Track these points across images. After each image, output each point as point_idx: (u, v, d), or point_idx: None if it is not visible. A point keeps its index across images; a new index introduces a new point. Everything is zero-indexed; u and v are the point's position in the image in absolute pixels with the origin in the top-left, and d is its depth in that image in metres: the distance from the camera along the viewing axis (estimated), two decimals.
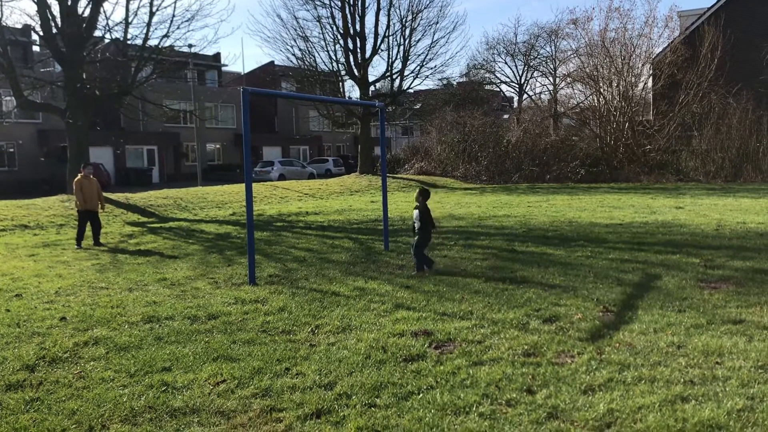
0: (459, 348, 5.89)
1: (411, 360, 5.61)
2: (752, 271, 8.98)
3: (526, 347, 5.84)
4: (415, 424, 4.31)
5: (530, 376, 5.13)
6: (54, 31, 21.51)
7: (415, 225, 9.69)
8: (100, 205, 13.84)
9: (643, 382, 4.96)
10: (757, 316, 6.70)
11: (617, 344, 5.86)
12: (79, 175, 13.86)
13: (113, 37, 23.62)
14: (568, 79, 45.84)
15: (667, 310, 7.02)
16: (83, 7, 21.75)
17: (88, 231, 13.55)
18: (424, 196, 9.81)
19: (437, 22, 44.59)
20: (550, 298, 7.67)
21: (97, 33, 23.04)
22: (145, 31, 22.65)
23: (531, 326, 6.54)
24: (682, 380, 4.97)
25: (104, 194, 22.84)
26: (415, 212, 9.68)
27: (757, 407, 4.45)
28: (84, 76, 22.70)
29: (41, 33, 21.72)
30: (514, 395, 4.76)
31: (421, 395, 4.82)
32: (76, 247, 13.16)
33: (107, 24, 23.36)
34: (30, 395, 5.01)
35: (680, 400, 4.61)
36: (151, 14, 22.52)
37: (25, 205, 19.33)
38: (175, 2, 27.65)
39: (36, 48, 42.45)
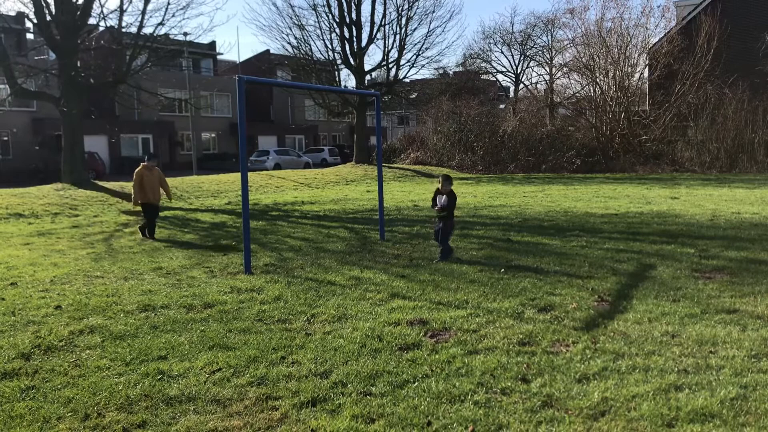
0: (454, 337, 5.91)
1: (406, 349, 5.63)
2: (746, 261, 9.02)
3: (521, 336, 5.86)
4: (411, 413, 4.33)
5: (525, 365, 5.15)
6: (48, 18, 21.37)
7: (441, 211, 9.79)
8: (166, 196, 13.19)
9: (637, 371, 4.99)
10: (751, 305, 6.73)
11: (612, 333, 5.89)
12: (140, 166, 12.83)
13: (108, 24, 23.54)
14: (565, 69, 45.91)
15: (661, 299, 7.05)
16: None
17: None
18: (449, 180, 9.96)
19: (433, 11, 44.61)
20: (545, 288, 7.70)
21: (92, 21, 22.92)
22: (140, 18, 22.52)
23: (526, 315, 6.57)
24: (676, 369, 5.00)
25: (99, 183, 22.92)
26: (442, 197, 9.78)
27: (750, 396, 4.48)
28: (78, 64, 22.57)
29: (35, 20, 21.57)
30: (509, 384, 4.78)
31: (416, 384, 4.83)
32: (149, 239, 12.36)
33: (102, 11, 23.39)
34: (25, 383, 5.02)
35: (674, 388, 4.64)
36: (146, 2, 22.38)
37: (19, 194, 19.27)
38: None
39: (30, 36, 42.21)
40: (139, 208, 13.38)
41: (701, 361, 5.16)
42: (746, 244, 10.34)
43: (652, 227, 12.51)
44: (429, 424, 4.18)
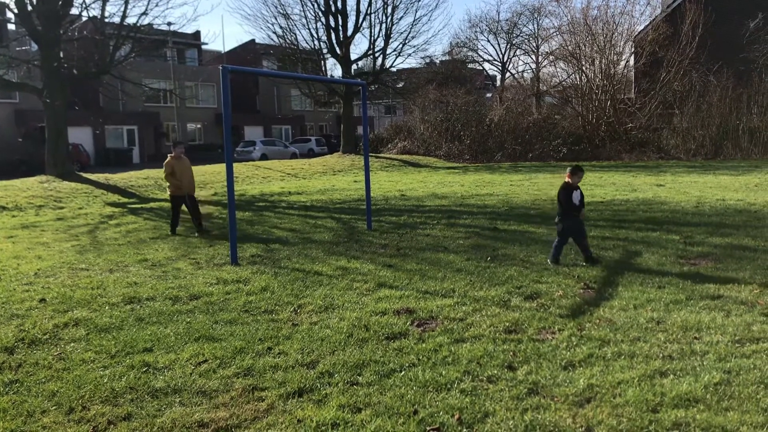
0: (441, 326, 5.92)
1: (393, 338, 5.63)
2: (731, 248, 9.09)
3: (507, 324, 5.88)
4: (397, 402, 4.33)
5: (511, 353, 5.16)
6: (29, 8, 21.08)
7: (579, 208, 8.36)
8: (192, 188, 12.24)
9: (622, 357, 5.02)
10: (735, 291, 6.79)
11: (597, 320, 5.92)
12: (168, 156, 12.09)
13: (90, 15, 23.27)
14: (551, 57, 45.92)
15: (647, 286, 7.10)
16: None
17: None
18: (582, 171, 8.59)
19: (419, 0, 44.29)
20: (531, 276, 7.72)
21: (74, 11, 22.67)
22: (123, 8, 22.33)
23: (512, 303, 6.59)
24: (660, 355, 5.03)
25: (84, 174, 22.73)
26: (577, 193, 8.45)
27: (733, 381, 4.52)
28: (61, 55, 22.31)
29: (16, 11, 21.27)
30: (496, 372, 4.80)
31: (403, 373, 4.84)
32: (170, 234, 11.78)
33: (84, 1, 22.95)
34: (9, 377, 4.97)
35: (659, 374, 4.67)
36: None
37: (2, 187, 19.07)
38: None
39: (11, 26, 41.65)
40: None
41: (686, 346, 5.20)
42: (731, 231, 10.42)
43: (638, 215, 12.58)
44: (415, 412, 4.18)
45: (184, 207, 12.09)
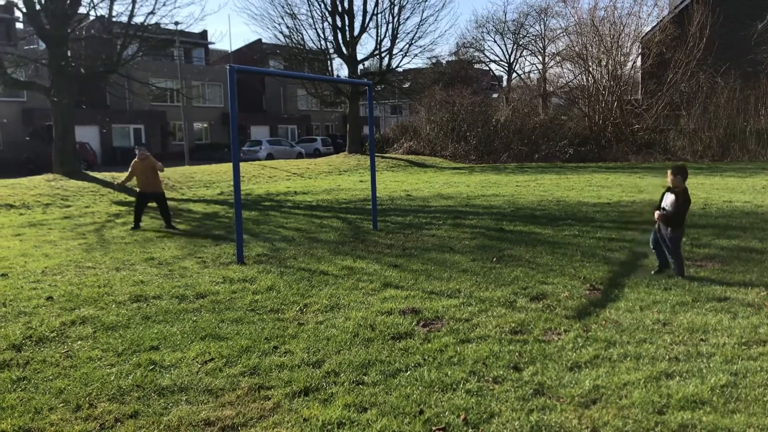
0: (447, 326, 5.92)
1: (399, 338, 5.63)
2: (737, 250, 9.06)
3: (513, 325, 5.88)
4: (403, 401, 4.34)
5: (517, 354, 5.16)
6: (37, 7, 21.15)
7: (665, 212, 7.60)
8: (154, 187, 12.77)
9: (628, 358, 5.01)
10: (742, 293, 6.77)
11: (603, 322, 5.91)
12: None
13: (98, 14, 23.39)
14: (558, 58, 45.84)
15: (653, 288, 7.08)
16: None
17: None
18: (683, 174, 7.58)
19: (426, 0, 44.37)
20: (537, 277, 7.71)
21: (82, 10, 22.71)
22: (130, 7, 22.32)
23: (518, 304, 6.58)
24: (667, 357, 5.02)
25: (91, 173, 22.80)
26: (670, 196, 7.67)
27: (740, 383, 4.51)
28: (69, 54, 22.37)
29: (24, 10, 21.34)
30: (501, 372, 4.80)
31: (408, 372, 4.84)
32: (131, 227, 12.60)
33: (92, 0, 23.03)
34: (17, 374, 4.99)
35: (665, 376, 4.66)
36: None
37: (10, 185, 19.14)
38: None
39: (19, 25, 41.84)
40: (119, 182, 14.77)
41: (692, 348, 5.18)
42: (737, 233, 10.39)
43: (645, 216, 12.53)
44: (421, 412, 4.19)
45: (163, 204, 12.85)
